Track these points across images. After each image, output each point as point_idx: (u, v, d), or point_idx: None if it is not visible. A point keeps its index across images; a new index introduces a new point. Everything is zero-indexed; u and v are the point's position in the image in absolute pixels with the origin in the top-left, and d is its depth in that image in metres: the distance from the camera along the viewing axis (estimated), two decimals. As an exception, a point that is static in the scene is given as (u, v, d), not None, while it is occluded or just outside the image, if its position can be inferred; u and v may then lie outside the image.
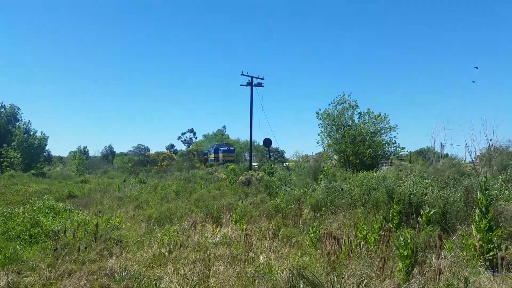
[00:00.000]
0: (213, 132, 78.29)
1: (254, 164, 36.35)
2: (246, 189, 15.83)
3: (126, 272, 5.67)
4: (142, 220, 10.13)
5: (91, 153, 61.04)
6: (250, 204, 11.92)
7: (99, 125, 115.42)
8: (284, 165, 33.98)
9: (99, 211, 11.34)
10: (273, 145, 37.62)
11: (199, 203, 11.67)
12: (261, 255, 6.17)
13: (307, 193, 12.38)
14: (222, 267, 5.71)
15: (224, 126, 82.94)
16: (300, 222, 9.14)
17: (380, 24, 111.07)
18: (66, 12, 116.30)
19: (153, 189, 17.35)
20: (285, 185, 15.19)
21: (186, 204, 11.94)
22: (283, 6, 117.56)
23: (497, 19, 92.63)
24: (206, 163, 51.80)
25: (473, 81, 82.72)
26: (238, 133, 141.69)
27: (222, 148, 48.18)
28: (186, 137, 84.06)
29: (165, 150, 69.61)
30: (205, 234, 7.95)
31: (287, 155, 56.45)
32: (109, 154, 65.46)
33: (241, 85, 31.46)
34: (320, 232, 7.03)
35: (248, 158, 36.48)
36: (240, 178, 18.80)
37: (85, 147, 58.00)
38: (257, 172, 21.32)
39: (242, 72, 31.16)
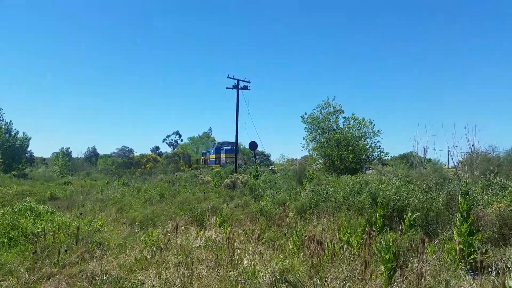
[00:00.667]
0: (199, 134, 78.03)
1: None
2: (231, 192, 15.79)
3: (107, 276, 5.58)
4: (124, 223, 10.01)
5: (74, 155, 60.16)
6: (235, 207, 11.89)
7: (82, 126, 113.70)
8: (270, 168, 34.02)
9: (81, 214, 11.16)
10: (259, 148, 37.42)
11: (183, 206, 11.58)
12: (244, 259, 6.14)
13: (292, 196, 12.40)
14: (205, 271, 5.66)
15: (210, 129, 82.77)
16: (285, 225, 9.15)
17: (364, 29, 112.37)
18: (51, 12, 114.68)
19: (137, 192, 17.16)
20: (270, 188, 15.20)
21: (170, 207, 11.84)
22: (271, 10, 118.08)
23: (481, 26, 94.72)
24: (205, 165, 45.74)
25: None
26: (224, 136, 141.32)
27: (225, 148, 41.15)
28: (172, 139, 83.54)
29: (149, 152, 69.01)
30: (189, 238, 7.89)
31: (273, 158, 54.53)
32: (93, 156, 64.56)
33: (227, 87, 31.37)
34: (304, 236, 7.04)
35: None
36: (225, 181, 18.75)
37: (68, 149, 57.21)
38: (243, 175, 21.28)
39: (228, 75, 31.10)
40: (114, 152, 70.84)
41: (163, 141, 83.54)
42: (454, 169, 15.04)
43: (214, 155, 43.10)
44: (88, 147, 67.26)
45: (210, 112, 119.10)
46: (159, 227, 9.05)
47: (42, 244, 7.07)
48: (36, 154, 63.32)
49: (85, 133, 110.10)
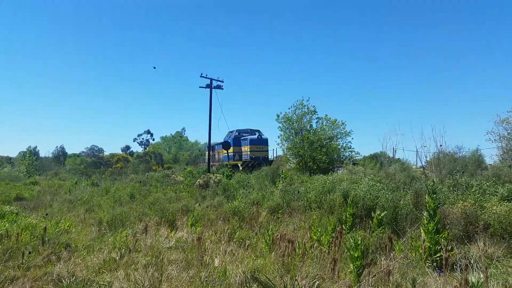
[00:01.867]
0: (171, 134, 77.23)
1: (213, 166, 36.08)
2: (203, 192, 15.67)
3: (74, 278, 5.43)
4: (93, 224, 9.77)
5: (42, 154, 58.49)
6: (207, 207, 11.80)
7: (50, 125, 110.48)
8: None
9: (47, 214, 10.81)
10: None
11: (154, 207, 11.40)
12: (216, 259, 6.09)
13: (265, 196, 12.42)
14: (175, 272, 5.58)
15: (183, 128, 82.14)
16: (257, 225, 9.15)
17: (336, 31, 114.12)
18: (13, 9, 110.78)
19: (106, 192, 16.78)
20: (243, 188, 15.17)
21: (140, 208, 11.64)
22: (245, 9, 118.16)
23: (453, 27, 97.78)
24: (213, 162, 34.37)
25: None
26: (197, 135, 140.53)
27: (249, 137, 29.60)
28: (143, 138, 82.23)
29: (120, 152, 67.68)
30: (159, 238, 7.77)
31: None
32: (61, 155, 62.79)
33: (200, 87, 31.03)
34: (276, 235, 7.06)
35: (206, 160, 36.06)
36: (197, 181, 18.59)
37: (35, 148, 55.53)
38: (215, 174, 21.17)
39: (202, 74, 30.75)
40: (83, 152, 69.24)
41: (134, 141, 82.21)
42: (422, 169, 15.46)
43: (231, 148, 31.97)
44: (57, 146, 65.57)
45: (183, 111, 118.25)
46: (129, 228, 8.87)
47: (4, 246, 6.80)
48: (2, 153, 61.23)
49: (53, 131, 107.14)
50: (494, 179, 9.67)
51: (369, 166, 16.83)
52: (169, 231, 8.48)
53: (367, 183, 9.38)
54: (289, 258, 5.95)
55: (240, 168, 28.22)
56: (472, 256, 5.68)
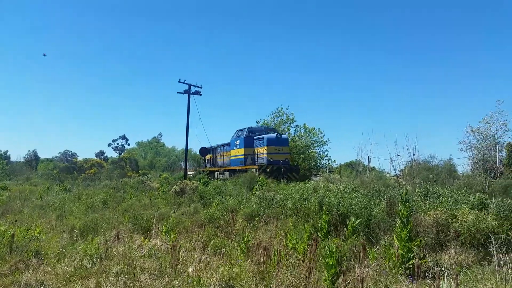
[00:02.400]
0: (148, 139, 76.20)
1: (190, 173, 35.79)
2: (179, 199, 15.50)
3: (43, 286, 5.30)
4: (64, 231, 9.50)
5: (13, 158, 56.71)
6: (183, 214, 11.66)
7: (22, 129, 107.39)
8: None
9: (16, 221, 10.45)
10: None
11: (127, 213, 11.19)
12: (190, 267, 6.01)
13: (242, 203, 12.38)
14: (148, 280, 5.48)
15: (160, 134, 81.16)
16: (232, 232, 9.10)
17: (313, 37, 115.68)
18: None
19: (78, 198, 16.38)
20: (219, 195, 15.09)
21: (114, 214, 11.40)
22: (224, 15, 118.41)
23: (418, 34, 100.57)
24: (217, 167, 30.35)
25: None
26: (174, 141, 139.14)
27: (266, 136, 24.63)
28: (118, 144, 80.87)
29: (94, 157, 66.34)
30: (132, 246, 7.61)
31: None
32: (33, 160, 61.07)
33: (178, 92, 30.88)
34: (252, 242, 7.03)
35: (183, 166, 35.71)
36: (173, 187, 18.37)
37: (6, 152, 53.85)
38: (192, 181, 20.99)
39: (180, 80, 30.56)
40: (56, 156, 67.49)
41: (109, 146, 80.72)
42: (396, 177, 15.77)
43: (242, 150, 25.92)
44: (29, 151, 63.71)
45: (160, 116, 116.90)
46: (101, 235, 8.67)
47: (-32, 255, 6.54)
48: (-31, 157, 59.04)
49: (26, 135, 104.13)
50: (465, 188, 9.94)
51: (345, 174, 17.05)
52: (142, 238, 8.33)
53: (342, 191, 9.48)
54: (264, 266, 5.92)
55: (256, 174, 22.20)
56: (443, 263, 5.79)
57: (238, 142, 26.76)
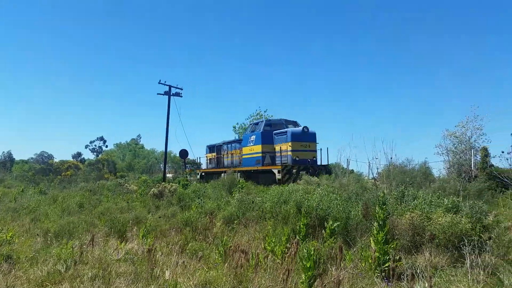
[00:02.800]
0: (126, 141, 75.19)
1: (169, 175, 35.41)
2: (157, 202, 15.30)
3: (12, 293, 5.12)
4: (38, 234, 9.26)
5: (-14, 160, 55.07)
6: (160, 217, 11.52)
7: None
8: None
9: (-14, 225, 10.13)
10: (190, 157, 36.68)
11: (104, 217, 10.98)
12: (166, 271, 5.93)
13: (220, 206, 12.32)
14: (123, 285, 5.38)
15: (139, 135, 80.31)
16: (211, 235, 9.03)
17: (295, 39, 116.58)
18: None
19: (53, 201, 15.99)
20: (199, 198, 14.98)
21: (90, 218, 11.17)
22: (203, 16, 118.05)
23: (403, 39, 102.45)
24: (223, 168, 26.19)
25: None
26: (153, 143, 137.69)
27: (291, 130, 20.95)
28: (95, 145, 79.61)
29: (71, 159, 65.00)
30: (108, 250, 7.46)
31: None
32: (8, 161, 59.43)
33: (158, 93, 30.51)
34: (229, 246, 6.98)
35: (162, 169, 35.28)
36: (152, 190, 18.14)
37: (-21, 153, 52.19)
38: (171, 184, 20.78)
39: (160, 81, 30.25)
40: (32, 158, 65.89)
41: (86, 147, 79.37)
42: (373, 180, 15.98)
43: (260, 145, 21.84)
44: (3, 152, 62.15)
45: (140, 118, 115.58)
46: (76, 239, 8.48)
47: None
48: None
49: (0, 137, 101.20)
50: (440, 191, 10.13)
51: (324, 177, 17.21)
52: (118, 242, 8.18)
53: (320, 193, 9.54)
54: (242, 269, 5.89)
55: (278, 177, 19.37)
56: (418, 265, 5.88)
57: (253, 137, 22.43)
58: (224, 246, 6.90)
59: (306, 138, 20.67)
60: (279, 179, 19.28)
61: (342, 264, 5.68)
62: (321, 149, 23.70)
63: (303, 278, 4.99)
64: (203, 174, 30.35)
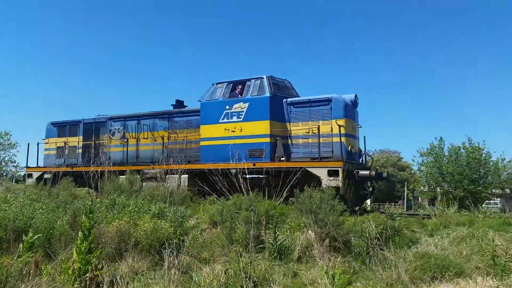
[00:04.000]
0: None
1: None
2: None
3: None
4: None
5: None
6: None
7: None
8: None
9: None
10: None
11: None
12: None
13: None
14: None
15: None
16: None
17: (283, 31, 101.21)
18: None
19: None
20: None
21: None
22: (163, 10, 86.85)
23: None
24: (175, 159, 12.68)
25: None
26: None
27: (341, 98, 11.41)
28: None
29: None
30: None
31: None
32: None
33: None
34: None
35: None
36: None
37: None
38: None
39: None
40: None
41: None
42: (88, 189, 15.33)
43: (266, 121, 11.66)
44: None
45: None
46: None
47: None
48: None
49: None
50: (148, 198, 10.63)
51: (33, 184, 15.30)
52: None
53: (22, 202, 8.48)
54: None
55: (331, 183, 10.09)
56: (119, 272, 6.01)
57: (243, 106, 12.05)
58: None
59: (356, 115, 12.33)
60: (338, 190, 9.65)
61: (35, 280, 5.21)
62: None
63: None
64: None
